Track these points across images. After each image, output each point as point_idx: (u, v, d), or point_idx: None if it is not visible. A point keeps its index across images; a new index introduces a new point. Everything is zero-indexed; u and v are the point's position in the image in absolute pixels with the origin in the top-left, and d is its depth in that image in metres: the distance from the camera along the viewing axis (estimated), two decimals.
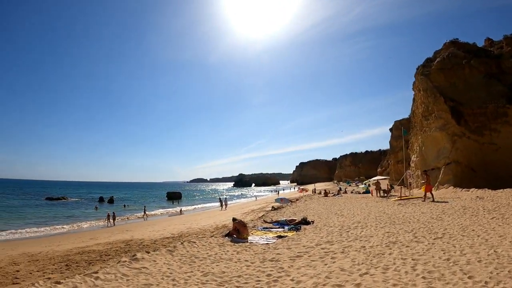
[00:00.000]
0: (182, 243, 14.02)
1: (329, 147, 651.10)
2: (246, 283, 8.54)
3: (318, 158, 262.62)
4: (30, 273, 14.69)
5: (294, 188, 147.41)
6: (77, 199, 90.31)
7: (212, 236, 16.58)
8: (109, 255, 18.04)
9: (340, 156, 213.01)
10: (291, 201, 39.93)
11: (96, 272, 9.41)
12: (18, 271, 15.25)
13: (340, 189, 63.61)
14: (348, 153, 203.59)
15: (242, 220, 18.74)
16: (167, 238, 23.06)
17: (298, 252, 11.83)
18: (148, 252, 12.28)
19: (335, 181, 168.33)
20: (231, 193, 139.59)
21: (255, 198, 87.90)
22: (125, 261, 10.86)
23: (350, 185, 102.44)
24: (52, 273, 14.62)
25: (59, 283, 8.54)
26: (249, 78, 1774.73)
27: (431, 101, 42.72)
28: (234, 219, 16.74)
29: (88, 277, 8.94)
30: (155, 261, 11.19)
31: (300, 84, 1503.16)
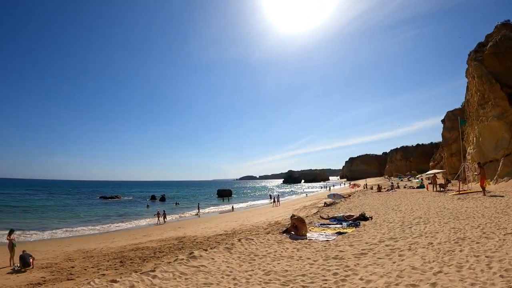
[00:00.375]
0: (239, 240, 13.31)
1: (379, 141, 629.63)
2: (312, 282, 7.70)
3: (368, 153, 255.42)
4: (85, 269, 14.52)
5: (344, 184, 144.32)
6: (130, 198, 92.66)
7: (268, 233, 15.81)
8: (162, 251, 17.70)
9: (391, 150, 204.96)
10: (344, 197, 38.45)
11: (153, 271, 8.83)
12: (73, 267, 15.17)
13: (393, 184, 60.97)
14: (398, 147, 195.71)
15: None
16: (220, 235, 22.52)
17: (361, 249, 10.86)
18: (205, 250, 11.63)
19: (386, 176, 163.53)
20: (281, 190, 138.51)
21: (305, 194, 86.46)
22: (183, 259, 10.24)
23: (401, 180, 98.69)
24: (106, 270, 14.39)
25: (115, 281, 7.99)
26: (294, 74, 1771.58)
27: (487, 88, 39.70)
28: (292, 216, 15.89)
29: (145, 276, 8.37)
30: (213, 259, 10.53)
31: (346, 78, 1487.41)
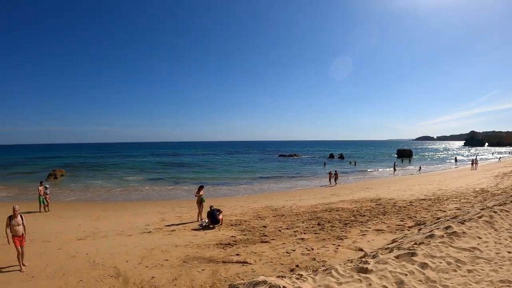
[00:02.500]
0: (494, 212, 8.75)
1: None
2: None
3: None
4: (279, 230, 12.06)
5: None
6: (307, 156, 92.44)
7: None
8: (363, 215, 14.33)
9: None
10: None
11: (414, 254, 5.19)
12: (264, 226, 12.91)
13: None
14: None
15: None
16: (422, 199, 18.23)
17: None
18: (462, 223, 7.49)
19: None
20: (462, 152, 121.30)
21: (497, 159, 72.90)
22: (442, 236, 6.37)
23: None
24: (304, 233, 11.66)
25: (366, 270, 4.61)
26: (470, 17, 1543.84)
27: None
28: None
29: (406, 261, 4.80)
30: (480, 237, 6.58)
31: None
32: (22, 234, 9.01)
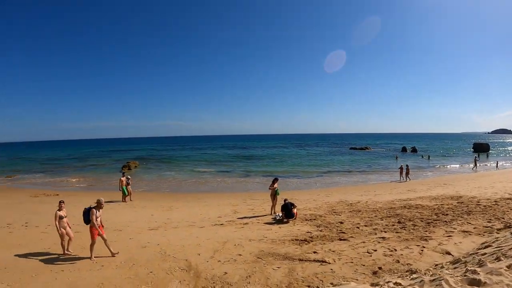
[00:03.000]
0: None
1: None
2: None
3: None
4: (357, 228, 11.53)
5: None
6: (380, 149, 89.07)
7: None
8: (445, 214, 13.31)
9: None
10: None
11: None
12: (341, 222, 12.45)
13: None
14: None
15: None
16: (508, 199, 16.61)
17: None
18: None
19: None
20: None
21: None
22: None
23: None
24: (384, 231, 11.01)
25: (480, 283, 4.07)
26: None
27: None
28: None
29: None
30: None
31: None
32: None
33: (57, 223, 9.58)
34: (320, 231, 11.32)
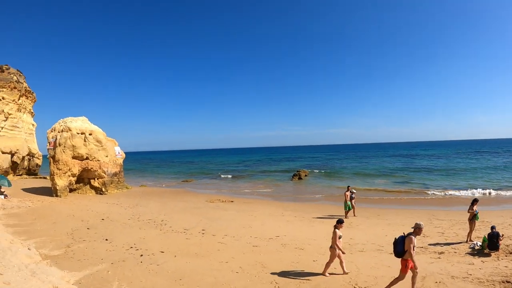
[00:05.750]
0: None
1: None
2: None
3: None
4: None
5: None
6: None
7: None
8: None
9: None
10: None
11: None
12: None
13: None
14: None
15: None
16: None
17: None
18: None
19: None
20: None
21: None
22: None
23: None
24: None
25: None
26: None
27: None
28: None
29: None
30: None
31: None
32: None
33: (338, 242, 9.43)
34: None
